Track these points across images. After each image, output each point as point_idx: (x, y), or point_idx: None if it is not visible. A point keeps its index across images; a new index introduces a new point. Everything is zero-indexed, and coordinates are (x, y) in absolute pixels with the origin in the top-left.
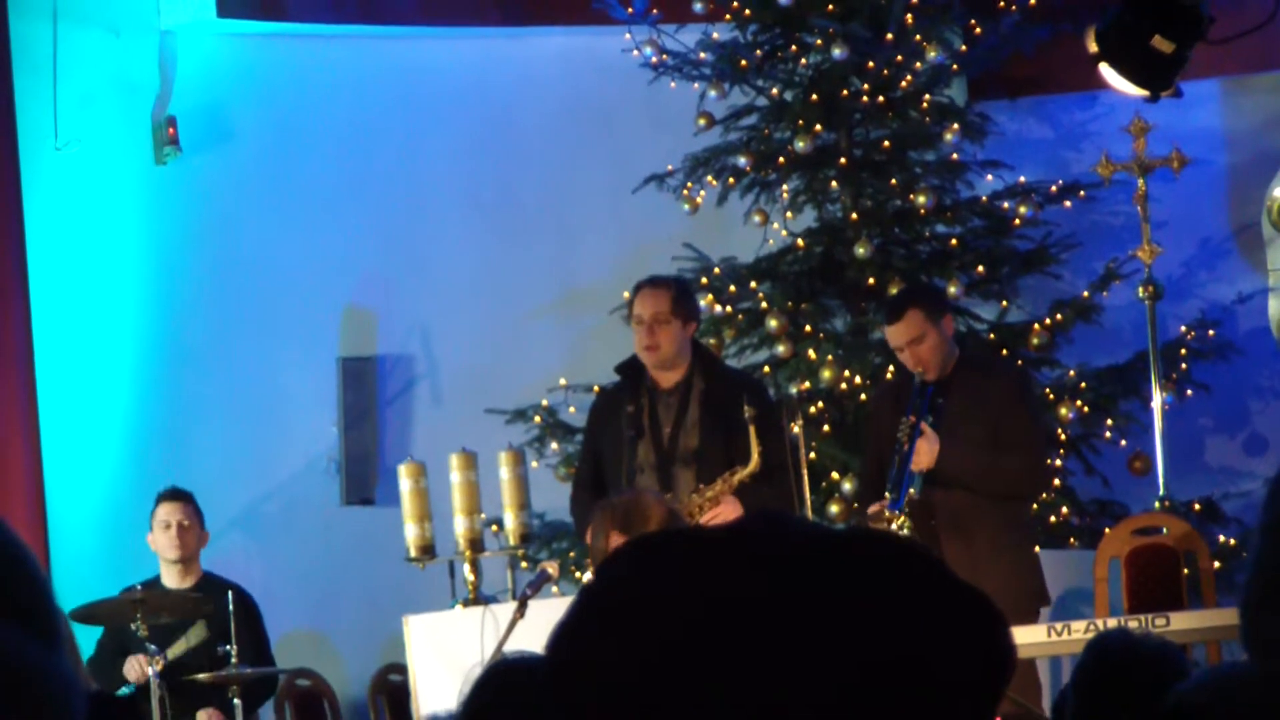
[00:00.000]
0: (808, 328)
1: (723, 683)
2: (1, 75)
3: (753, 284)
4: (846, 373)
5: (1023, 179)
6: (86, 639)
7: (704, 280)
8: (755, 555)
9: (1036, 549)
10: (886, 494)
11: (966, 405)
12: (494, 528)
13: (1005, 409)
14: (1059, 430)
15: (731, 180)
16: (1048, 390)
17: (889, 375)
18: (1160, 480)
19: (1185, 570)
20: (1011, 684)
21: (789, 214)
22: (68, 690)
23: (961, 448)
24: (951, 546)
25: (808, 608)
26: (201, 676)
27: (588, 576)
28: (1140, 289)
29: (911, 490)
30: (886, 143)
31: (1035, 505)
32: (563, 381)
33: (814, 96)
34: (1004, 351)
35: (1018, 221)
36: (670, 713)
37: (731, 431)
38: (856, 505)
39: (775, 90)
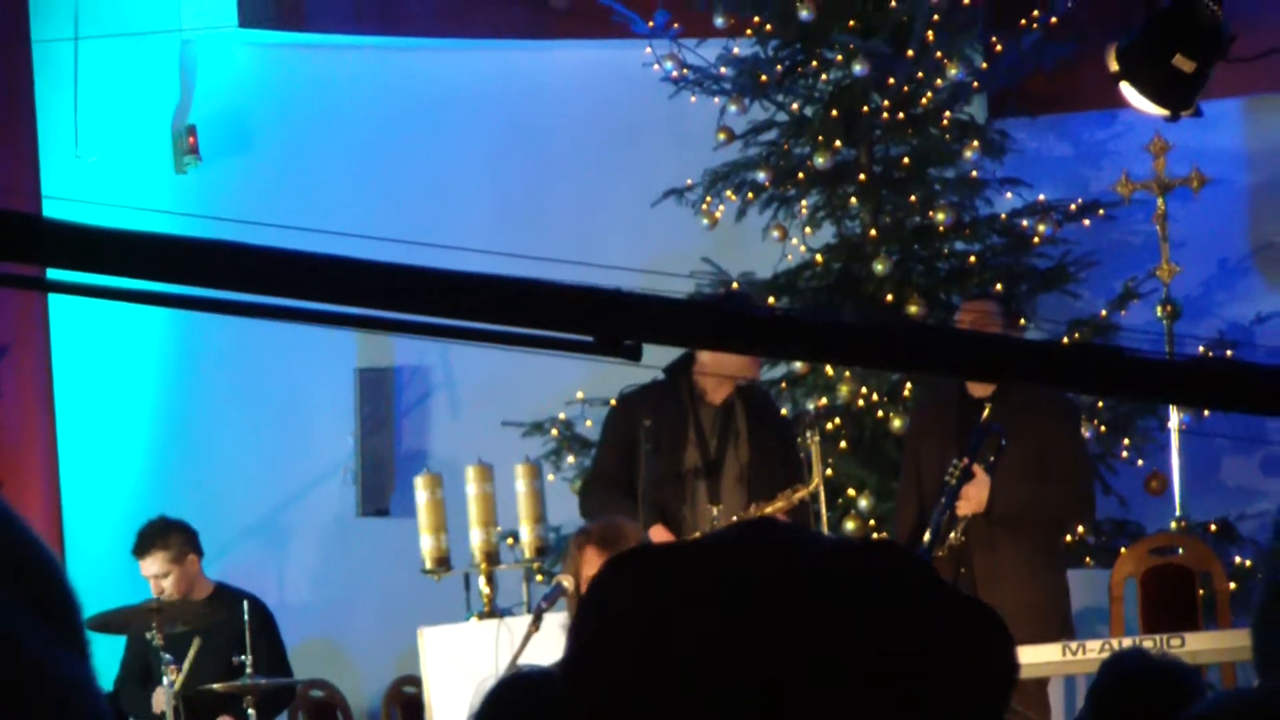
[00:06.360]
0: None
1: (740, 689)
2: (23, 84)
3: (771, 299)
4: (864, 389)
5: (1042, 197)
6: (103, 650)
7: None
8: (767, 559)
9: (1065, 580)
10: (927, 537)
11: (1011, 430)
12: (510, 540)
13: (1052, 437)
14: None
15: (751, 195)
16: None
17: (905, 393)
18: (1177, 500)
19: (1201, 591)
20: (1022, 703)
21: (808, 229)
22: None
23: (1011, 487)
24: (978, 559)
25: (821, 606)
26: (217, 686)
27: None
28: (1159, 308)
29: (953, 535)
30: (906, 159)
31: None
32: (580, 395)
33: (834, 112)
34: None
35: (1037, 239)
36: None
37: (773, 449)
38: (886, 533)
39: (795, 105)
